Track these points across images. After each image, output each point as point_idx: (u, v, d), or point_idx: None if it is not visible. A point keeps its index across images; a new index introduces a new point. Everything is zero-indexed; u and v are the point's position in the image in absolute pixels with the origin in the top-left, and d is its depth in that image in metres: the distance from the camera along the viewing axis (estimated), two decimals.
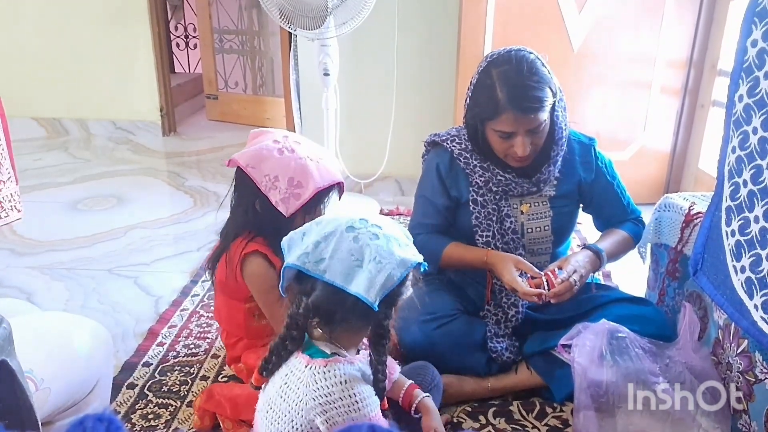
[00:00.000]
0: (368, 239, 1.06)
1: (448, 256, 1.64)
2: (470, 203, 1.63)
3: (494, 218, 1.62)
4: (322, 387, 1.07)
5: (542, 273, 1.52)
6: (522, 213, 1.64)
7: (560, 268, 1.53)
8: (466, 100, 1.59)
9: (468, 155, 1.63)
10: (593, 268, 1.58)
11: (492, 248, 1.62)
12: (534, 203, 1.65)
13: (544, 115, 1.49)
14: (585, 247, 1.63)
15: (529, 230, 1.65)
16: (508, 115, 1.47)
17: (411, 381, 1.35)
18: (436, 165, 1.67)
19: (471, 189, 1.63)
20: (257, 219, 1.52)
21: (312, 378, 1.08)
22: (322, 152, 1.55)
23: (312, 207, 1.49)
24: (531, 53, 1.52)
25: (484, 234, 1.62)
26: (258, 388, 1.20)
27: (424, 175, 1.72)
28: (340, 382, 1.07)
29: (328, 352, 1.11)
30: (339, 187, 1.55)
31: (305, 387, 1.08)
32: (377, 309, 1.03)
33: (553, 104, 1.51)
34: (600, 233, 1.76)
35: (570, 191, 1.67)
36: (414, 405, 1.32)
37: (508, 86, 1.47)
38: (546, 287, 1.49)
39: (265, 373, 1.16)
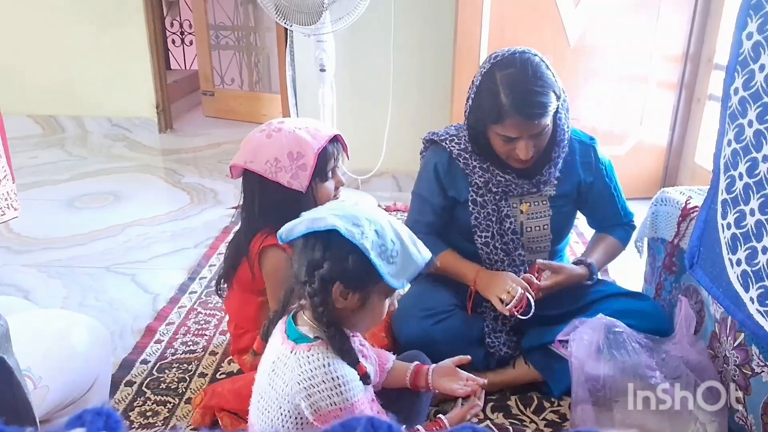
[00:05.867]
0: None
1: (441, 263, 1.62)
2: (469, 203, 1.63)
3: (494, 218, 1.62)
4: (305, 371, 1.08)
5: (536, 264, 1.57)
6: (522, 212, 1.64)
7: (553, 272, 1.56)
8: (467, 101, 1.57)
9: (467, 156, 1.62)
10: (580, 281, 1.62)
11: (491, 248, 1.62)
12: (534, 203, 1.65)
13: (548, 120, 1.48)
14: (580, 262, 1.65)
15: (528, 229, 1.65)
16: (513, 120, 1.46)
17: (416, 362, 1.36)
18: (434, 165, 1.66)
19: (470, 189, 1.63)
20: (273, 213, 1.50)
21: (296, 362, 1.09)
22: (308, 120, 1.56)
23: (323, 171, 1.51)
24: (536, 55, 1.50)
25: (483, 234, 1.62)
26: (258, 354, 1.21)
27: (422, 174, 1.72)
28: (323, 365, 1.08)
29: (312, 336, 1.12)
30: (340, 143, 1.56)
31: (290, 372, 1.09)
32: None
33: (557, 107, 1.51)
34: (593, 231, 1.81)
35: (570, 191, 1.67)
36: (430, 376, 1.33)
37: (513, 91, 1.45)
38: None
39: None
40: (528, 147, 1.49)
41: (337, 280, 1.08)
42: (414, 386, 1.35)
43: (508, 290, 1.51)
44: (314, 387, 1.07)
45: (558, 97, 1.49)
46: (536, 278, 1.54)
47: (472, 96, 1.55)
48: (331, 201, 1.15)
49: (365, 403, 1.13)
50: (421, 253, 1.13)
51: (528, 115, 1.45)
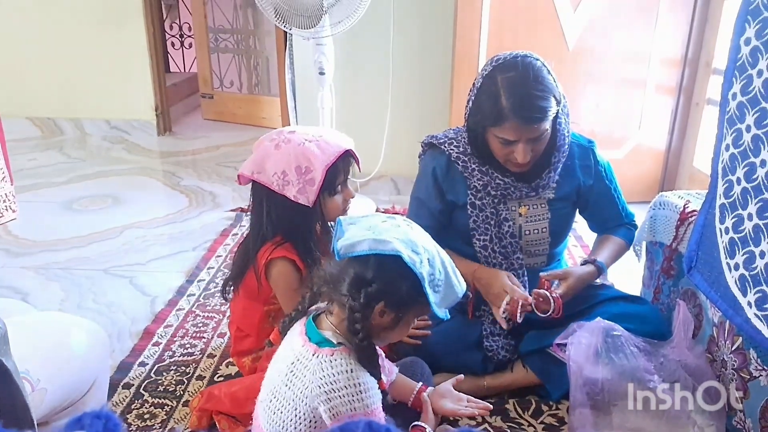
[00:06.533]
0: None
1: None
2: (468, 207, 1.63)
3: (492, 222, 1.62)
4: (328, 375, 1.09)
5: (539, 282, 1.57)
6: (520, 215, 1.64)
7: (561, 279, 1.56)
8: (467, 103, 1.58)
9: (466, 159, 1.62)
10: (590, 280, 1.63)
11: (489, 251, 1.62)
12: (533, 205, 1.65)
13: (547, 125, 1.48)
14: (589, 262, 1.65)
15: (527, 232, 1.65)
16: (512, 123, 1.46)
17: (421, 383, 1.37)
18: (433, 168, 1.66)
19: (469, 192, 1.63)
20: (281, 225, 1.49)
21: (319, 366, 1.10)
22: (320, 130, 1.53)
23: (331, 186, 1.48)
24: (537, 60, 1.50)
25: (482, 237, 1.62)
26: (272, 344, 1.23)
27: (420, 177, 1.71)
28: (346, 371, 1.09)
29: (335, 341, 1.13)
30: (351, 155, 1.52)
31: (311, 374, 1.10)
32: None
33: (557, 112, 1.51)
34: (595, 234, 1.81)
35: (568, 194, 1.67)
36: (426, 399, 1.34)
37: (514, 95, 1.45)
38: (551, 305, 1.52)
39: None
40: (526, 151, 1.49)
41: (383, 300, 1.09)
42: (415, 407, 1.35)
43: (507, 304, 1.52)
44: (336, 392, 1.08)
45: (558, 103, 1.50)
46: (547, 291, 1.54)
47: (473, 98, 1.55)
48: (373, 214, 1.16)
49: (381, 410, 1.13)
50: (460, 283, 1.15)
51: (527, 119, 1.45)
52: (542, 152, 1.55)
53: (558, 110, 1.50)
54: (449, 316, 1.13)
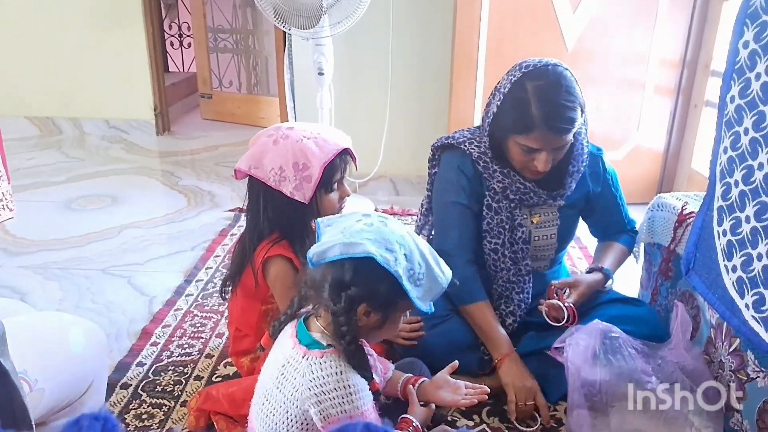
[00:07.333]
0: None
1: (473, 314, 1.60)
2: (484, 208, 1.61)
3: (506, 226, 1.61)
4: (317, 377, 1.09)
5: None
6: (532, 223, 1.64)
7: (571, 288, 1.58)
8: (488, 106, 1.55)
9: (487, 159, 1.59)
10: (599, 288, 1.65)
11: (499, 255, 1.62)
12: (544, 213, 1.65)
13: (572, 135, 1.49)
14: (596, 270, 1.66)
15: (536, 238, 1.65)
16: (540, 133, 1.45)
17: (408, 374, 1.37)
18: (458, 167, 1.62)
19: (487, 194, 1.61)
20: (277, 221, 1.49)
21: (308, 368, 1.09)
22: (318, 127, 1.52)
23: (328, 183, 1.48)
24: (566, 69, 1.49)
25: (493, 241, 1.62)
26: (263, 349, 1.23)
27: (447, 180, 1.65)
28: (336, 373, 1.09)
29: (325, 343, 1.13)
30: (348, 154, 1.52)
31: (301, 377, 1.10)
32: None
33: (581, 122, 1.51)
34: (597, 239, 1.83)
35: (577, 200, 1.67)
36: (415, 389, 1.34)
37: (545, 104, 1.43)
38: (565, 313, 1.54)
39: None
40: (548, 159, 1.49)
41: (365, 301, 1.09)
42: (404, 396, 1.35)
43: (526, 403, 1.51)
44: (326, 394, 1.08)
45: (582, 113, 1.50)
46: (558, 299, 1.55)
47: (498, 103, 1.52)
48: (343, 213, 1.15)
49: (373, 411, 1.13)
50: (444, 274, 1.13)
51: (556, 130, 1.45)
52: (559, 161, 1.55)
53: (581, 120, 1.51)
54: (433, 310, 1.12)
